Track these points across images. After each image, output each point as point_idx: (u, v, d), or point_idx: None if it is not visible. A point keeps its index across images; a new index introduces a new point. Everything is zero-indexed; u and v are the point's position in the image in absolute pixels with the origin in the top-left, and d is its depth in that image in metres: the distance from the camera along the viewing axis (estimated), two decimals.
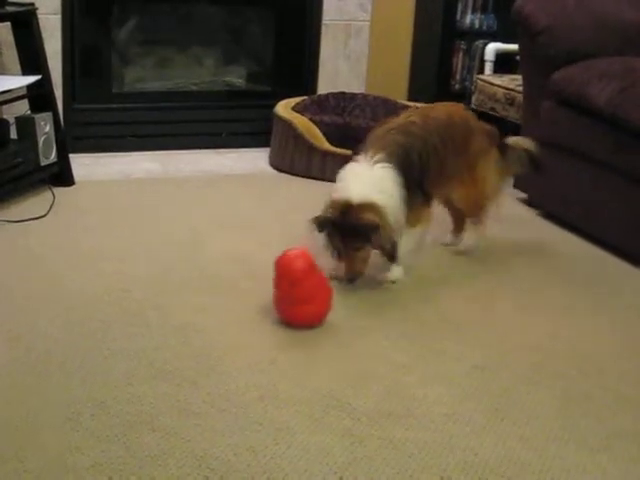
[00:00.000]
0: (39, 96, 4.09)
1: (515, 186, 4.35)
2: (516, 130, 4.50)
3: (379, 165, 3.07)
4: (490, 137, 3.51)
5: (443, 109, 3.46)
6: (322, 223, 3.03)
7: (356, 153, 3.17)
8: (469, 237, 3.61)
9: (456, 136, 3.35)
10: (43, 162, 4.05)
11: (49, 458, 2.09)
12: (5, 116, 4.20)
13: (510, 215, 4.16)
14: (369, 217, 2.99)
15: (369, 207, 3.00)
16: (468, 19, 5.23)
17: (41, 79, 4.01)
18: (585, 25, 4.08)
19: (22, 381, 2.43)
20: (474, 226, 3.60)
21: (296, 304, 2.84)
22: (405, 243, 3.20)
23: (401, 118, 3.32)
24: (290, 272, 2.80)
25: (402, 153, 3.12)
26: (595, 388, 2.60)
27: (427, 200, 3.27)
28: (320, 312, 2.89)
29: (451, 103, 3.70)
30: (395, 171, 3.07)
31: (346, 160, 3.22)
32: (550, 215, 4.09)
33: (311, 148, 4.52)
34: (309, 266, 2.82)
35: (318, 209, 3.07)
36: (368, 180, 3.04)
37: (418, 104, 4.92)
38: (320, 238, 3.07)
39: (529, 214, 4.19)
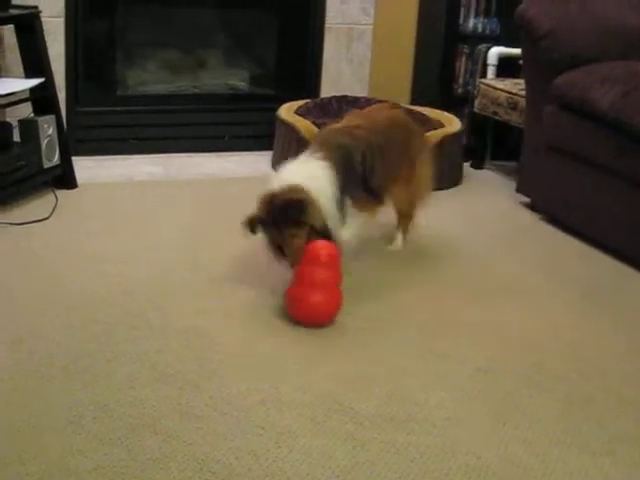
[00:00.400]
0: (42, 99, 4.09)
1: (518, 190, 4.36)
2: (519, 134, 4.51)
3: (314, 162, 3.07)
4: (426, 139, 3.69)
5: (385, 112, 3.57)
6: (252, 222, 3.01)
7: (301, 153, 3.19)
8: (399, 236, 3.66)
9: (398, 137, 3.42)
10: (46, 165, 4.05)
11: (51, 461, 2.09)
12: (8, 119, 4.21)
13: (513, 219, 4.17)
14: (294, 195, 2.96)
15: (294, 189, 2.97)
16: (471, 23, 5.23)
17: (44, 82, 4.02)
18: (588, 30, 4.08)
19: (24, 384, 2.43)
20: (405, 225, 3.64)
21: (313, 292, 2.87)
22: (346, 231, 3.17)
23: (345, 121, 3.37)
24: (318, 256, 2.88)
25: (343, 153, 3.13)
26: (597, 391, 2.60)
27: (374, 198, 3.30)
28: (332, 309, 2.92)
29: (390, 105, 3.85)
30: (331, 169, 3.06)
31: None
32: (553, 219, 4.09)
33: None
34: (334, 255, 2.90)
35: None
36: (297, 172, 3.05)
37: (422, 108, 4.93)
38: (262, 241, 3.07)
39: (532, 218, 4.19)
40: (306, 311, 2.89)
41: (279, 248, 3.02)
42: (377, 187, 3.28)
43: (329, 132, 3.30)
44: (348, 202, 3.11)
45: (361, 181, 3.19)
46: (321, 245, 2.91)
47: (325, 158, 3.07)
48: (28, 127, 4.02)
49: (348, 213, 3.12)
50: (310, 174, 3.03)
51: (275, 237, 3.00)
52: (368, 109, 3.71)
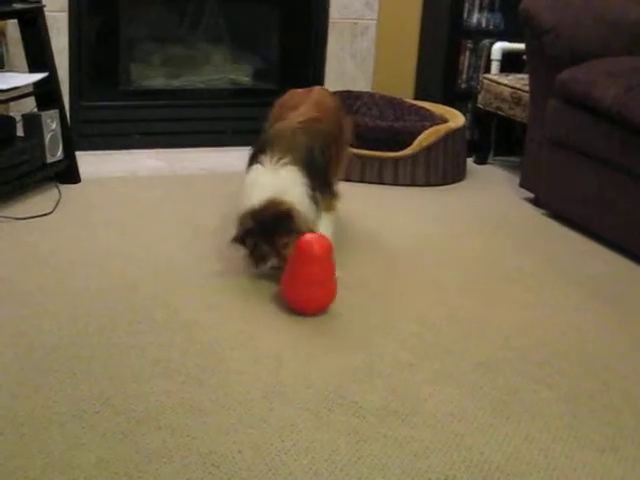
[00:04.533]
0: (46, 93, 4.09)
1: (521, 185, 4.36)
2: (523, 129, 4.50)
3: (284, 169, 3.10)
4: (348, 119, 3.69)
5: (328, 97, 3.59)
6: (245, 236, 3.07)
7: (260, 150, 3.19)
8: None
9: (339, 122, 3.48)
10: (49, 159, 4.05)
11: (54, 455, 2.10)
12: (12, 113, 4.21)
13: (516, 214, 4.17)
14: (282, 206, 3.03)
15: (276, 201, 3.03)
16: (475, 18, 5.22)
17: (48, 76, 4.02)
18: (591, 24, 4.08)
19: (27, 378, 2.43)
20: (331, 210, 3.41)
21: (311, 285, 2.91)
22: (324, 228, 3.19)
23: (301, 112, 3.33)
24: (311, 251, 2.90)
25: (307, 154, 3.16)
26: (601, 387, 2.60)
27: (333, 189, 3.31)
28: (329, 298, 2.96)
29: (321, 87, 3.79)
30: (301, 172, 3.10)
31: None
32: (556, 214, 4.09)
33: None
34: (328, 249, 2.92)
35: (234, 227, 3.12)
36: (272, 183, 3.08)
37: (426, 103, 4.93)
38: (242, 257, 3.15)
39: (535, 213, 4.19)
40: (309, 307, 2.93)
41: (261, 258, 3.10)
42: (331, 177, 3.33)
43: (287, 130, 3.24)
44: (320, 200, 3.16)
45: (325, 176, 3.24)
46: (314, 239, 2.94)
47: (292, 162, 3.11)
48: (32, 122, 4.02)
49: (320, 211, 3.18)
50: (284, 183, 3.07)
51: (265, 249, 3.07)
52: (309, 93, 3.59)
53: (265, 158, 3.14)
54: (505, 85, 4.77)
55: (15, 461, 2.06)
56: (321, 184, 3.18)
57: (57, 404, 2.31)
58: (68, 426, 2.22)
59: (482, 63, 5.23)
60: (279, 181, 3.08)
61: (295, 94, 3.59)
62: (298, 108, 3.36)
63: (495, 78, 4.89)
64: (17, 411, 2.27)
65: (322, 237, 2.96)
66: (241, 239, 3.08)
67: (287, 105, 3.46)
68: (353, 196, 3.78)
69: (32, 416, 2.25)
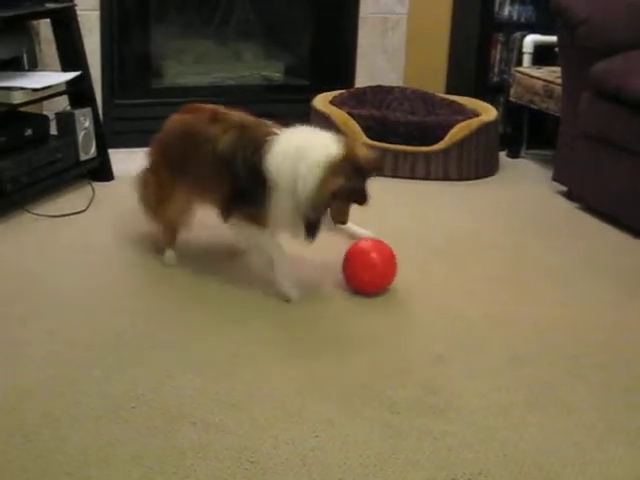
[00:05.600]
0: (78, 92, 4.12)
1: (554, 179, 4.33)
2: (555, 123, 4.47)
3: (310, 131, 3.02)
4: None
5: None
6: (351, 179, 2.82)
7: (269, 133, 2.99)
8: None
9: None
10: (83, 157, 4.08)
11: (90, 450, 2.11)
12: (45, 112, 4.23)
13: (549, 208, 4.15)
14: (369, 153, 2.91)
15: (353, 150, 2.86)
16: (506, 11, 5.19)
17: (80, 75, 4.04)
18: (625, 16, 4.04)
19: (63, 374, 2.45)
20: None
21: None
22: None
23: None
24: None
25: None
26: (636, 380, 2.58)
27: None
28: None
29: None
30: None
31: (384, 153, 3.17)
32: (589, 208, 4.06)
33: None
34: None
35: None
36: (326, 142, 2.87)
37: (457, 97, 4.91)
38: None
39: (569, 207, 4.16)
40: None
41: (344, 212, 2.88)
42: None
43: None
44: None
45: None
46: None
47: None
48: (65, 120, 4.06)
49: None
50: (332, 140, 2.87)
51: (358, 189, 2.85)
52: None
53: (283, 131, 2.99)
54: (537, 78, 4.74)
55: (51, 457, 2.08)
56: None
57: (92, 400, 2.33)
58: (103, 422, 2.23)
59: (514, 56, 5.19)
60: (328, 139, 2.88)
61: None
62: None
63: (527, 71, 4.87)
64: (53, 407, 2.29)
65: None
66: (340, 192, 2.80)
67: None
68: (385, 191, 3.77)
69: (68, 412, 2.27)
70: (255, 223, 2.95)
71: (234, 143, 2.96)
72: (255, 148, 2.91)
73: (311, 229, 2.83)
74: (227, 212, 3.01)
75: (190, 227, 3.31)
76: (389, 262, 3.06)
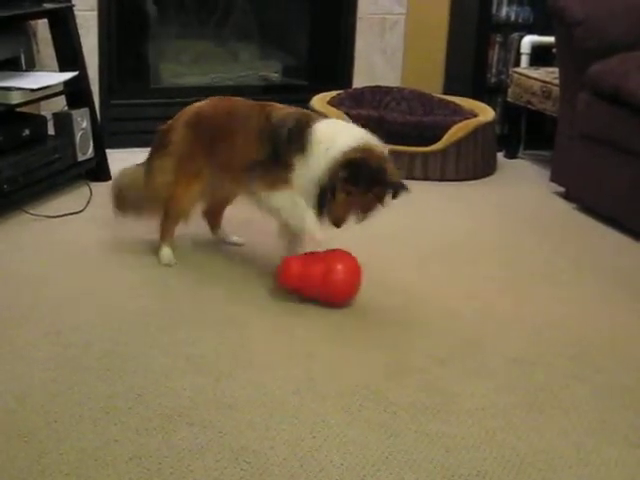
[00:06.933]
0: (76, 92, 4.11)
1: (552, 179, 4.33)
2: (553, 123, 4.48)
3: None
4: None
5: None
6: (355, 177, 2.94)
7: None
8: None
9: None
10: (80, 158, 4.08)
11: (88, 451, 2.11)
12: (43, 112, 4.23)
13: (547, 208, 4.15)
14: (382, 157, 3.04)
15: (376, 151, 3.04)
16: (504, 12, 5.20)
17: (78, 75, 4.04)
18: (622, 17, 4.05)
19: (61, 375, 2.45)
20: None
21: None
22: None
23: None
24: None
25: None
26: (634, 381, 2.58)
27: None
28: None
29: None
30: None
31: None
32: (587, 208, 4.06)
33: None
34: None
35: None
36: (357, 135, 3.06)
37: (455, 98, 4.91)
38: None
39: (566, 207, 4.16)
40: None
41: (347, 210, 2.98)
42: None
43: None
44: None
45: None
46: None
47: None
48: (62, 120, 4.05)
49: None
50: (366, 135, 3.06)
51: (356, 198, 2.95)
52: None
53: (324, 119, 3.17)
54: (535, 79, 4.75)
55: (49, 457, 2.08)
56: None
57: (90, 401, 2.32)
58: (101, 422, 2.23)
59: (511, 57, 5.20)
60: (361, 133, 3.07)
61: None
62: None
63: (525, 72, 4.87)
64: (51, 408, 2.28)
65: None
66: (351, 179, 2.91)
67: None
68: None
69: (66, 412, 2.26)
70: (284, 185, 3.02)
71: (287, 116, 3.09)
72: (305, 121, 3.07)
73: (321, 199, 2.95)
74: (259, 178, 3.09)
75: (189, 223, 3.31)
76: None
